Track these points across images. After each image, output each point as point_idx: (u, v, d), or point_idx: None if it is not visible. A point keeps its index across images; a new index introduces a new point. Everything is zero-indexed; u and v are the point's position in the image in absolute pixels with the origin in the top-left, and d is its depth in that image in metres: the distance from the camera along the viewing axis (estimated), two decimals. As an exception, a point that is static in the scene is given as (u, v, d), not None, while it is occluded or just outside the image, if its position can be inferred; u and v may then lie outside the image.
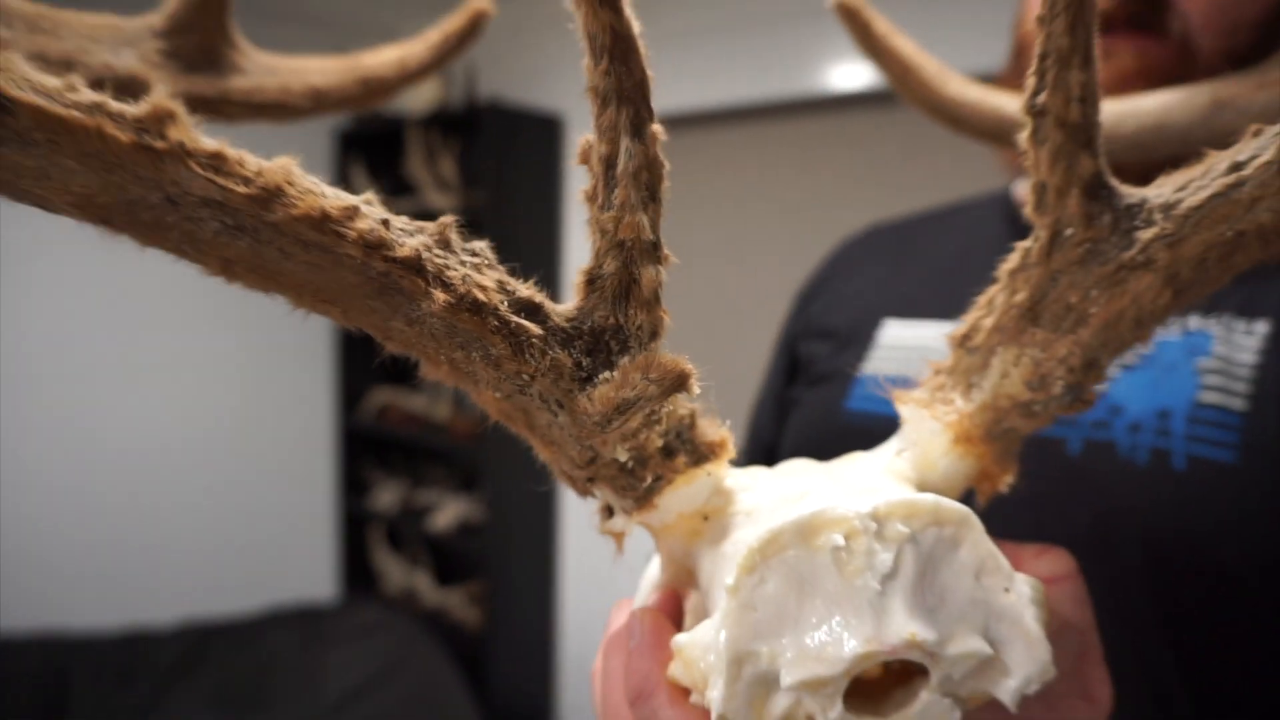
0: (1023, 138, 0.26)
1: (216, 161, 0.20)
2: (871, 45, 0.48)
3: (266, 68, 0.43)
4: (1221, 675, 0.46)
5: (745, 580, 0.24)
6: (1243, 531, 0.46)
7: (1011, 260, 0.27)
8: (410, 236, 0.22)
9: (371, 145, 2.90)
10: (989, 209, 0.67)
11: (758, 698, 0.24)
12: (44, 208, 0.21)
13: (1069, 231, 0.25)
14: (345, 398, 3.13)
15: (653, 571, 0.34)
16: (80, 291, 2.52)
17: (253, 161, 0.21)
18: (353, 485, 3.14)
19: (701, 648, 0.25)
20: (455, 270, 0.22)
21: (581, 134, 0.25)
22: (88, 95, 0.19)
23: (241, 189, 0.20)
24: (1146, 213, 0.25)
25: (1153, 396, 0.49)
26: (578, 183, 0.24)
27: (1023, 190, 0.63)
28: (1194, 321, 0.50)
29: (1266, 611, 0.45)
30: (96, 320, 2.60)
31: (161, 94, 0.20)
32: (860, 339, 0.62)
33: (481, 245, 0.24)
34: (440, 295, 0.22)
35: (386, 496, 3.00)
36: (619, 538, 0.30)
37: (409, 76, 0.49)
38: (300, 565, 3.11)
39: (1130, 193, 0.25)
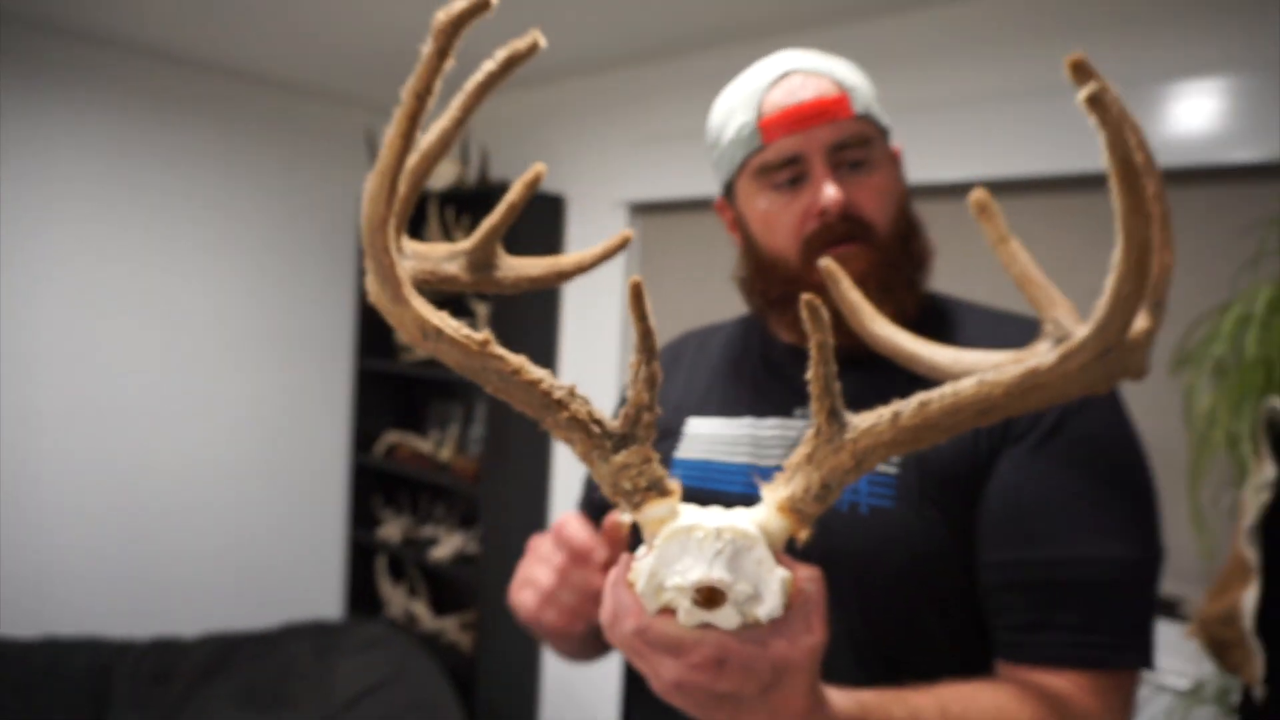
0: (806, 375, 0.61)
1: (499, 357, 0.59)
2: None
3: (511, 265, 0.83)
4: (900, 651, 0.78)
5: (661, 544, 0.60)
6: (901, 554, 0.76)
7: (809, 433, 0.62)
8: (560, 390, 0.60)
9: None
10: (745, 328, 0.99)
11: (658, 590, 0.60)
12: (440, 360, 0.61)
13: (823, 430, 0.61)
14: (359, 437, 3.38)
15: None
16: (130, 344, 2.94)
17: (510, 356, 0.60)
18: (362, 517, 3.40)
19: (639, 567, 0.61)
20: (573, 405, 0.61)
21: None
22: (463, 331, 0.59)
23: (507, 367, 0.59)
24: (850, 428, 0.60)
25: None
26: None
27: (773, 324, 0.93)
28: None
29: (923, 610, 0.78)
30: (141, 366, 2.96)
31: (487, 332, 0.60)
32: (674, 431, 0.93)
33: (586, 395, 0.62)
34: (564, 413, 0.60)
35: (391, 529, 3.26)
36: (626, 525, 0.67)
37: (582, 269, 0.89)
38: (312, 589, 3.39)
39: (849, 416, 0.60)
